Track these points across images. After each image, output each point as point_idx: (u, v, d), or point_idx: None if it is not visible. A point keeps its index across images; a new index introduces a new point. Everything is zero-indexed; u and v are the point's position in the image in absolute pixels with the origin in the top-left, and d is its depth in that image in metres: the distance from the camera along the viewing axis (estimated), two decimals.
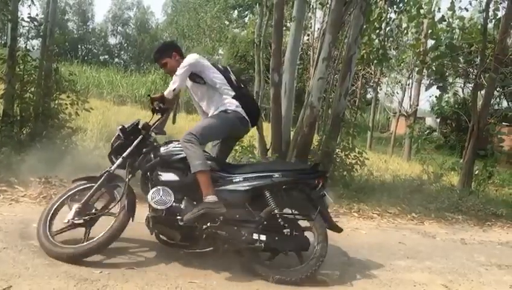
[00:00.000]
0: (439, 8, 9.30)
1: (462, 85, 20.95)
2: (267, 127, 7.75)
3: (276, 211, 3.39)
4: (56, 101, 6.59)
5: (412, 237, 5.31)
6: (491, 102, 11.61)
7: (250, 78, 21.39)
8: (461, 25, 9.63)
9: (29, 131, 6.35)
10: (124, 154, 3.47)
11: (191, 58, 3.63)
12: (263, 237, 3.35)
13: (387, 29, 9.57)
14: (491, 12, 8.77)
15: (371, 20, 8.58)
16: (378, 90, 24.79)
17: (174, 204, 3.30)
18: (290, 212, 3.49)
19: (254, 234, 3.34)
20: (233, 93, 3.69)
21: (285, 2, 8.55)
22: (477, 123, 8.59)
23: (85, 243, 3.23)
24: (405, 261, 4.31)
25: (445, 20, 9.05)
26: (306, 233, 3.52)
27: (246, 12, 33.00)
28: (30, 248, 3.33)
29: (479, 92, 9.66)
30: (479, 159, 9.15)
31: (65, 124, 6.64)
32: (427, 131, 23.33)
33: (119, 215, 3.33)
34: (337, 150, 7.68)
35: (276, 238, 3.38)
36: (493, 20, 8.88)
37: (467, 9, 12.36)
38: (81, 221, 3.30)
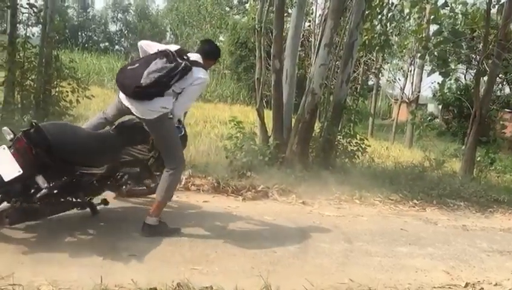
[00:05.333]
0: None
1: (465, 71, 20.87)
2: (268, 114, 7.72)
3: None
4: (57, 89, 6.58)
5: (414, 224, 5.30)
6: (494, 88, 11.56)
7: (251, 65, 21.27)
8: (464, 10, 9.54)
9: (30, 118, 6.34)
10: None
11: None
12: None
13: (389, 14, 9.46)
14: None
15: (372, 6, 8.48)
16: (380, 76, 24.65)
17: None
18: None
19: None
20: None
21: None
22: (479, 110, 8.54)
23: None
24: (407, 248, 4.32)
25: (448, 6, 8.95)
26: None
27: None
28: None
29: (481, 79, 9.60)
30: (481, 145, 9.13)
31: (66, 112, 6.63)
32: (429, 118, 23.27)
33: None
34: (339, 137, 7.67)
35: None
36: (496, 6, 8.79)
37: None
38: None
